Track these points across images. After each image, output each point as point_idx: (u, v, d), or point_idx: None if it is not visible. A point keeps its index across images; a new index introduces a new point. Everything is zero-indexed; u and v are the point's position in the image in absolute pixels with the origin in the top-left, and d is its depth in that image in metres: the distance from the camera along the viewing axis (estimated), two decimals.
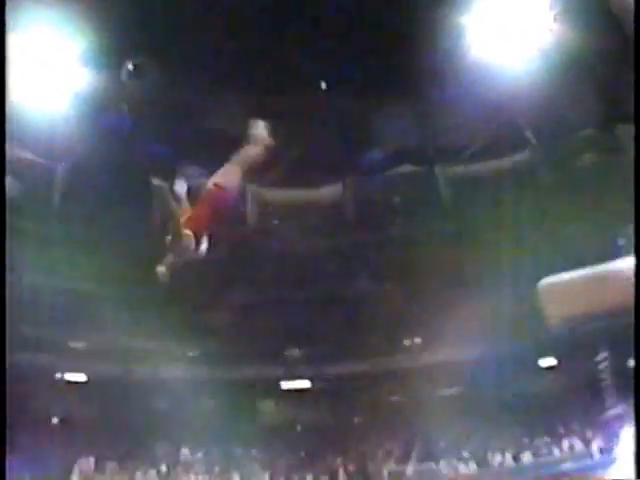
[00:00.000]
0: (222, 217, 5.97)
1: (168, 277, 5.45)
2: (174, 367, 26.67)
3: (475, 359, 24.17)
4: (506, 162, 26.64)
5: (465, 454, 18.56)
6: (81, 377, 27.08)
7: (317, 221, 28.51)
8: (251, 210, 29.05)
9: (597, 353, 21.73)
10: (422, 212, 27.39)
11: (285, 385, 27.01)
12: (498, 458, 17.76)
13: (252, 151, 6.11)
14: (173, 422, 24.47)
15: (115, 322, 26.66)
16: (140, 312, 27.09)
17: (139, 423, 25.20)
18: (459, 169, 27.42)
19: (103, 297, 26.69)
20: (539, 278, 17.58)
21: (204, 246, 5.74)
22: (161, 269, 5.45)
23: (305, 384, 27.02)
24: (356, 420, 26.56)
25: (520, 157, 26.45)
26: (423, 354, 25.62)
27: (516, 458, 16.91)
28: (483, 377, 24.44)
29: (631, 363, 18.99)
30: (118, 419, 25.26)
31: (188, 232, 5.56)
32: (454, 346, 24.74)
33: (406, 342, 26.64)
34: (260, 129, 6.18)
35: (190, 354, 27.33)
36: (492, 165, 26.85)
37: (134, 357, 26.27)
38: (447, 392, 26.17)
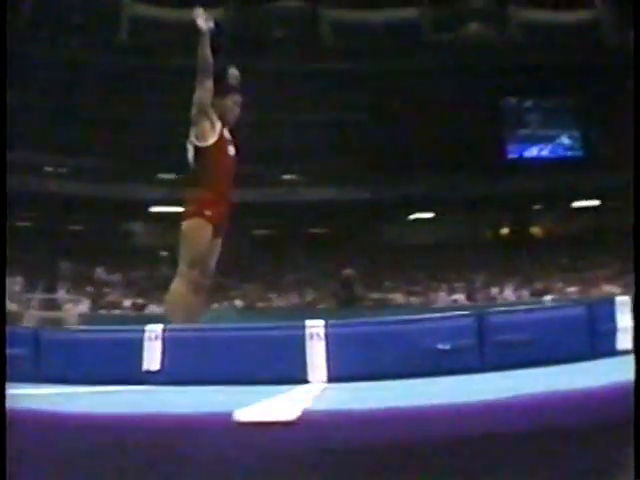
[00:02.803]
0: None
1: None
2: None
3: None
4: (394, 14, 27.43)
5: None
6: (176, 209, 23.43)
7: (195, 42, 26.52)
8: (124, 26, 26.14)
9: None
10: (300, 49, 27.09)
11: (155, 209, 25.82)
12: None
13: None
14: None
15: None
16: None
17: None
18: (344, 13, 27.50)
19: None
20: None
21: None
22: None
23: (177, 209, 26.06)
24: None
25: (408, 13, 27.41)
26: (299, 190, 26.30)
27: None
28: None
29: None
30: None
31: None
32: (330, 185, 25.92)
33: (285, 177, 27.03)
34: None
35: None
36: (379, 15, 27.44)
37: None
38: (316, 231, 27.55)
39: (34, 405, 1.82)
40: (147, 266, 20.90)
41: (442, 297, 17.65)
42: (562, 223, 25.73)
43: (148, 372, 3.62)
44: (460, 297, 17.28)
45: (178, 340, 3.76)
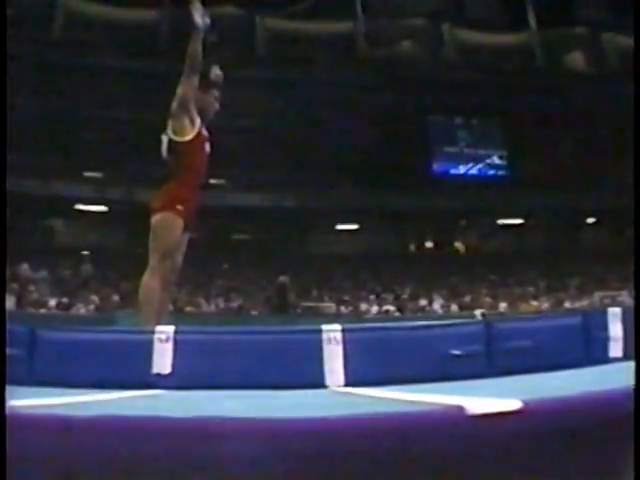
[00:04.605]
0: None
1: None
2: None
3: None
4: (329, 27, 27.62)
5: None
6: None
7: (130, 42, 26.07)
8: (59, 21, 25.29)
9: None
10: (233, 55, 26.93)
11: (80, 207, 25.09)
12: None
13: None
14: None
15: None
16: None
17: None
18: (280, 23, 27.52)
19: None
20: None
21: None
22: None
23: (101, 209, 25.47)
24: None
25: (342, 27, 27.65)
26: (226, 195, 26.03)
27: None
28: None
29: None
30: None
31: None
32: (257, 192, 25.79)
33: (212, 181, 26.67)
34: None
35: None
36: (314, 27, 27.58)
37: None
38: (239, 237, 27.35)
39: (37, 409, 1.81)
40: (72, 264, 20.26)
41: (373, 307, 17.83)
42: (488, 239, 26.50)
43: (158, 375, 3.51)
44: (391, 308, 17.50)
45: (190, 343, 3.66)
